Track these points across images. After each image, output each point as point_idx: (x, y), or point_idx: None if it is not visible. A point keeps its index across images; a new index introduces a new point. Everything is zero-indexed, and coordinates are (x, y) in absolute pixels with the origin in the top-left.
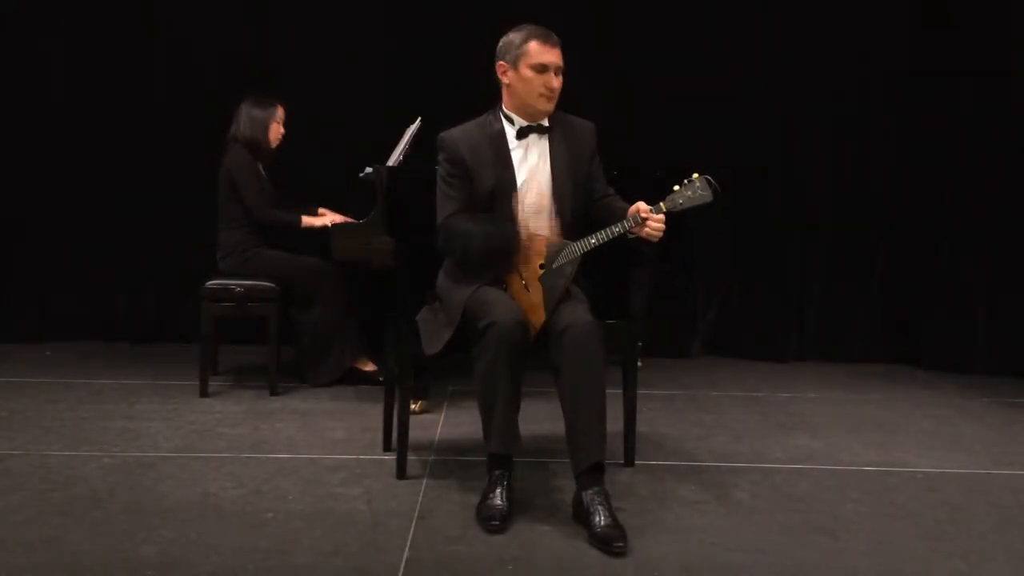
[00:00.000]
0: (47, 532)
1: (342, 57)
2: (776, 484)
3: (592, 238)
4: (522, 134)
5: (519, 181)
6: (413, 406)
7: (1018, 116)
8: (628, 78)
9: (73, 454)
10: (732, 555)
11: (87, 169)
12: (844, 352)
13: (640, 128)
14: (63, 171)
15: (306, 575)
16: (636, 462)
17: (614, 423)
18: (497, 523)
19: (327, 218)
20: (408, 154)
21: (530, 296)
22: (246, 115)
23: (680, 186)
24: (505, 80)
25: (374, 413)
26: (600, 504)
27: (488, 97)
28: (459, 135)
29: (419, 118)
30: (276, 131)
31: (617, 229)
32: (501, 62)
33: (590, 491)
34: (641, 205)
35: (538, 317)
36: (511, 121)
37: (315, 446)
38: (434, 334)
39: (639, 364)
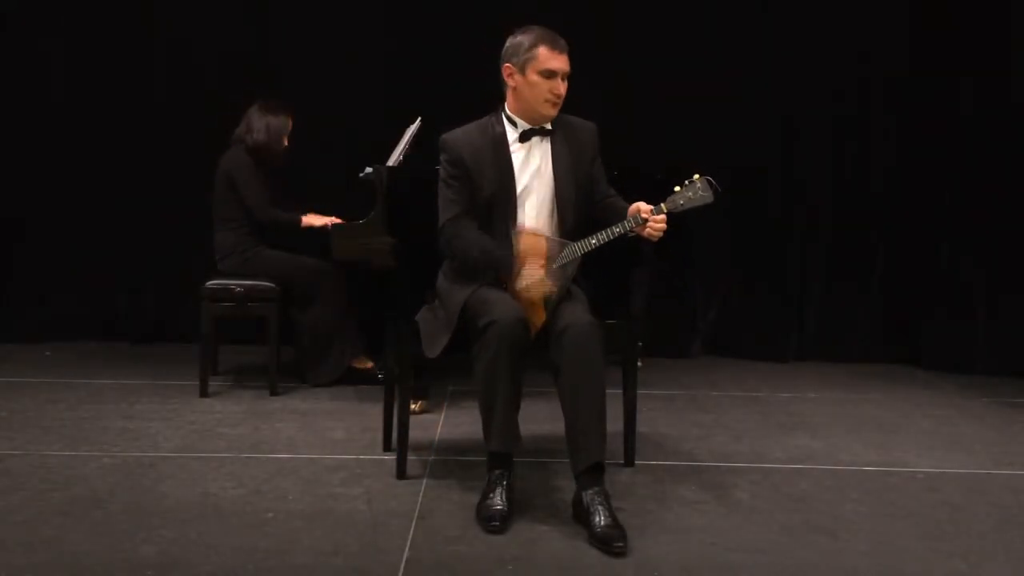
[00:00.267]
0: (47, 532)
1: (342, 57)
2: (776, 484)
3: (593, 238)
4: (524, 137)
5: (521, 185)
6: (413, 406)
7: (1018, 116)
8: (628, 78)
9: (73, 454)
10: (732, 555)
11: (87, 169)
12: (844, 352)
13: (640, 128)
14: (63, 171)
15: (306, 575)
16: (636, 462)
17: (614, 423)
18: (497, 523)
19: (328, 217)
20: (408, 154)
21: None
22: (262, 122)
23: (681, 187)
24: (511, 83)
25: (374, 413)
26: (600, 504)
27: (488, 97)
28: (460, 137)
29: (419, 118)
30: (285, 139)
31: (618, 229)
32: (508, 64)
33: (590, 491)
34: (642, 205)
35: (538, 317)
36: (514, 124)
37: (315, 446)
38: (434, 335)
39: (639, 364)
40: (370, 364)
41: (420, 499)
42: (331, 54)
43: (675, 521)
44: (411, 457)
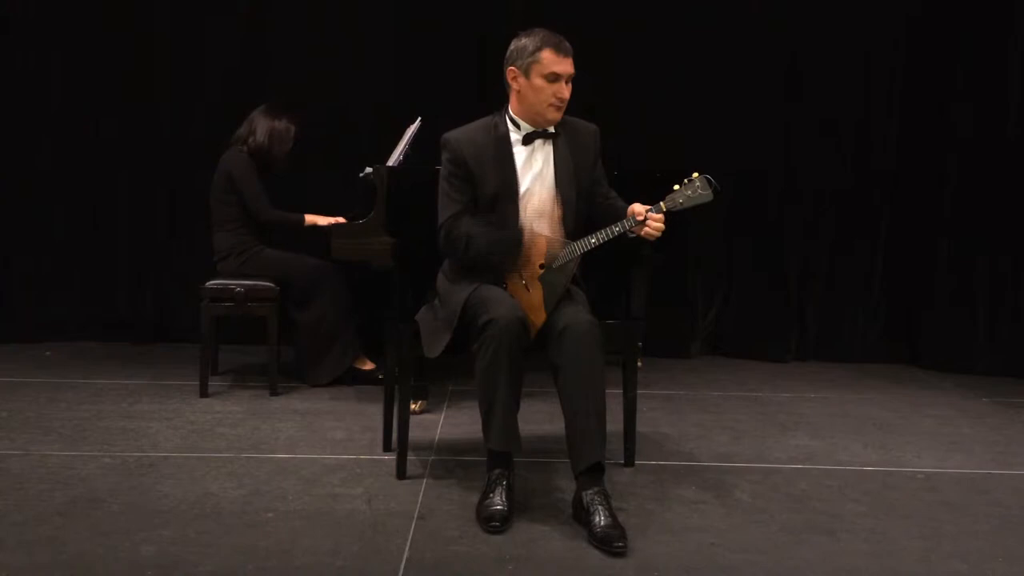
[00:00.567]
0: (47, 532)
1: (342, 57)
2: (776, 484)
3: (592, 238)
4: (527, 140)
5: (523, 187)
6: (413, 406)
7: (1018, 116)
8: (628, 78)
9: (73, 454)
10: (732, 555)
11: (87, 169)
12: (844, 352)
13: (641, 128)
14: (63, 171)
15: (306, 575)
16: (636, 462)
17: (614, 423)
18: (497, 523)
19: (332, 217)
20: (408, 154)
21: (530, 296)
22: (266, 125)
23: (680, 185)
24: (515, 86)
25: (374, 413)
26: (600, 504)
27: (489, 97)
28: (463, 137)
29: (419, 118)
30: (289, 146)
31: (617, 229)
32: (512, 67)
33: (590, 491)
34: (637, 207)
35: (538, 317)
36: (517, 126)
37: (315, 446)
38: (434, 336)
39: (639, 364)
40: (371, 365)
41: (420, 499)
42: (331, 54)
43: (675, 521)
44: (411, 457)
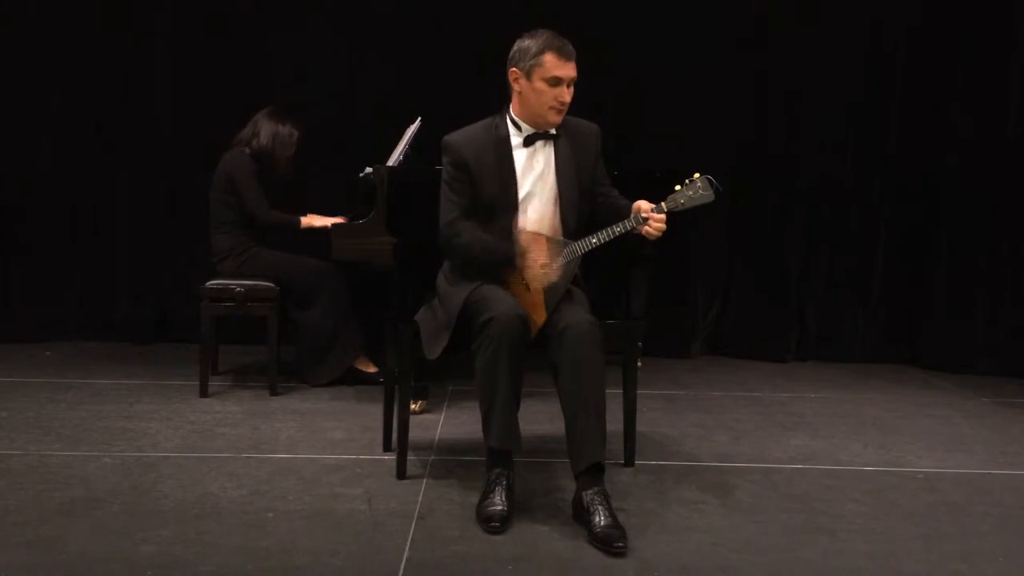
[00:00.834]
0: (47, 532)
1: (342, 57)
2: (776, 484)
3: (593, 238)
4: (529, 141)
5: (523, 189)
6: (413, 406)
7: (1018, 116)
8: (628, 78)
9: (73, 454)
10: (732, 555)
11: (88, 169)
12: (844, 352)
13: (641, 128)
14: (63, 171)
15: (306, 575)
16: (636, 462)
17: (614, 423)
18: (497, 524)
19: (329, 218)
20: (408, 154)
21: (530, 295)
22: (269, 128)
23: (681, 186)
24: (516, 87)
25: (374, 413)
26: (600, 504)
27: (489, 98)
28: (463, 139)
29: (419, 118)
30: (291, 150)
31: (618, 229)
32: (514, 68)
33: (590, 491)
34: (643, 204)
35: (538, 316)
36: (518, 127)
37: (315, 446)
38: (433, 337)
39: (639, 364)
40: (373, 368)
41: (420, 499)
42: (331, 53)
43: (675, 521)
44: (411, 457)
